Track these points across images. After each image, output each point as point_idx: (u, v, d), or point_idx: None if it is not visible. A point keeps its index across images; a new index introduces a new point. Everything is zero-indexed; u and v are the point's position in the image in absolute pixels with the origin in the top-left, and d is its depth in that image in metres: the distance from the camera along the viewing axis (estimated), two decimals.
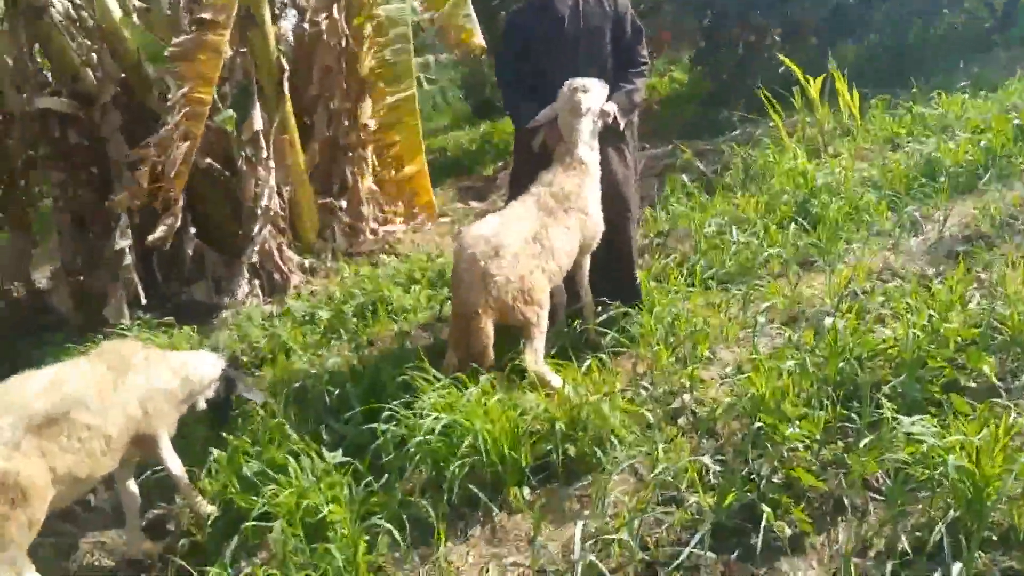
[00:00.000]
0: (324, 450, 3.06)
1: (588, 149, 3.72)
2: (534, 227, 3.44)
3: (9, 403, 2.71)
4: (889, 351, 2.98)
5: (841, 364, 2.92)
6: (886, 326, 3.28)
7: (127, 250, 5.36)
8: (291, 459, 3.03)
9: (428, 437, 2.90)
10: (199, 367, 3.35)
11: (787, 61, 6.59)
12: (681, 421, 3.12)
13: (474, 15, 5.06)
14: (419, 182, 6.52)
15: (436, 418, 2.92)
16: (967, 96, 6.74)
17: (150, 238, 5.20)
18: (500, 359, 3.30)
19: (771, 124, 6.45)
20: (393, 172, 6.52)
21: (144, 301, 5.39)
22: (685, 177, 6.01)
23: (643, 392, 3.23)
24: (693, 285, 4.25)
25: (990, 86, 7.08)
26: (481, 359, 3.25)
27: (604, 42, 3.99)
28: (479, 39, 5.02)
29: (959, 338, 2.96)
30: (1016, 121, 5.39)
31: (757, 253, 4.38)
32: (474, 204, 7.09)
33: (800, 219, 4.67)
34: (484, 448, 2.88)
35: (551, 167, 3.72)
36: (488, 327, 3.24)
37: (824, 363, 2.97)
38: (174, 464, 3.18)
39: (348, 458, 3.03)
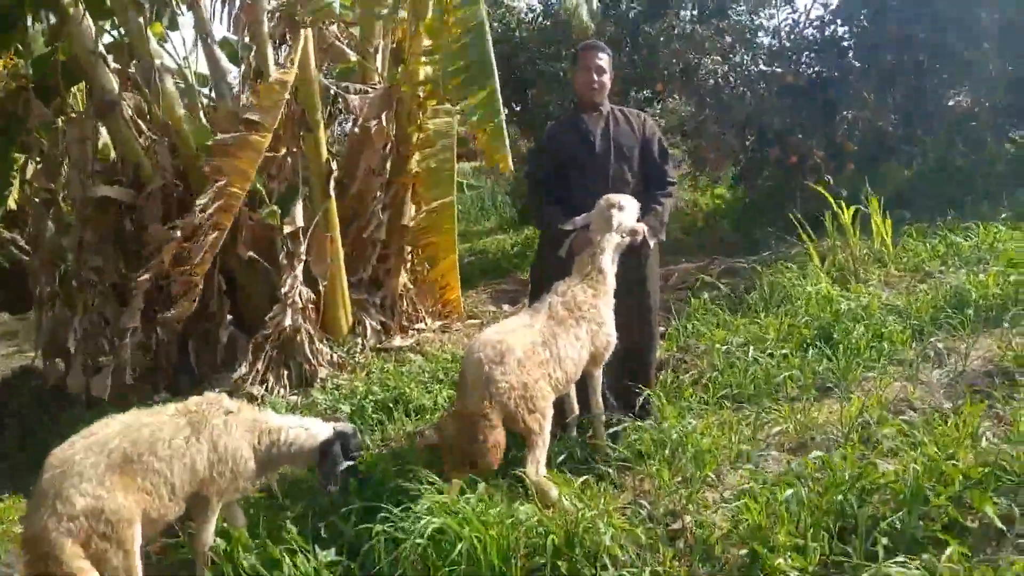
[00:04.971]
0: (318, 548, 3.08)
1: (610, 263, 3.81)
2: (543, 334, 3.49)
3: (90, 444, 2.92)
4: (891, 486, 2.91)
5: (840, 497, 2.86)
6: (895, 460, 3.21)
7: (131, 330, 5.64)
8: (286, 556, 3.06)
9: (419, 541, 2.90)
10: (294, 433, 3.36)
11: (820, 189, 6.66)
12: (680, 543, 3.06)
13: (507, 142, 5.78)
14: (449, 280, 6.86)
15: (428, 522, 2.92)
16: (1004, 228, 6.70)
17: (162, 316, 5.54)
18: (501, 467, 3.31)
19: (805, 246, 6.49)
20: (427, 268, 6.93)
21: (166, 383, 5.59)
22: (713, 293, 6.05)
23: (641, 512, 3.18)
24: (707, 403, 4.23)
25: None
26: (483, 463, 3.26)
27: (633, 162, 4.16)
28: (508, 163, 5.77)
29: (966, 476, 2.89)
30: None
31: (774, 375, 4.36)
32: (505, 308, 7.20)
33: (820, 344, 4.65)
34: (475, 557, 2.86)
35: (570, 276, 3.81)
36: (492, 433, 3.25)
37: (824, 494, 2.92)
38: (207, 535, 3.20)
39: (340, 557, 3.04)
